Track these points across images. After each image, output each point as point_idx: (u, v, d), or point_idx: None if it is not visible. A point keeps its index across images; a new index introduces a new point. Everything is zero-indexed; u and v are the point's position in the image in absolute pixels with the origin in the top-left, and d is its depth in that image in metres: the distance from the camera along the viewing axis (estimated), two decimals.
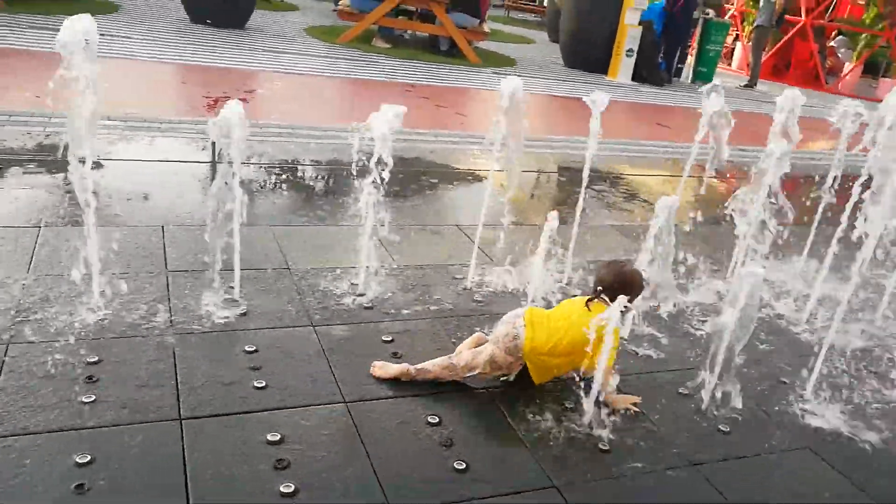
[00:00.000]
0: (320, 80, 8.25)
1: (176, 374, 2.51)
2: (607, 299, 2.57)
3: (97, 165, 4.24)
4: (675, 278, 3.56)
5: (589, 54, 11.69)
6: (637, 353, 3.12)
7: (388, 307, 3.21)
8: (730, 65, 16.55)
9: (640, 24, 11.14)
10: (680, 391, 2.90)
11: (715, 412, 2.78)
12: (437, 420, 2.47)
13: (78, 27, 2.44)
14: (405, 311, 3.20)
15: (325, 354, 2.77)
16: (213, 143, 3.51)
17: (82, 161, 2.66)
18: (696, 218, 4.47)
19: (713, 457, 2.53)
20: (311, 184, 4.74)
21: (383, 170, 3.02)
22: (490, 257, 3.82)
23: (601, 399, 2.61)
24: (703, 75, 12.87)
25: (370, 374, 2.67)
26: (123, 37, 8.43)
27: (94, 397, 2.32)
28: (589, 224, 4.53)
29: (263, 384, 2.52)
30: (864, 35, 15.64)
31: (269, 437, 2.26)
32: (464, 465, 2.27)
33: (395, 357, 2.81)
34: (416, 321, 3.13)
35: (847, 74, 15.82)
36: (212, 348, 2.70)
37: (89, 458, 2.06)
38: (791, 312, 3.78)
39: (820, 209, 4.01)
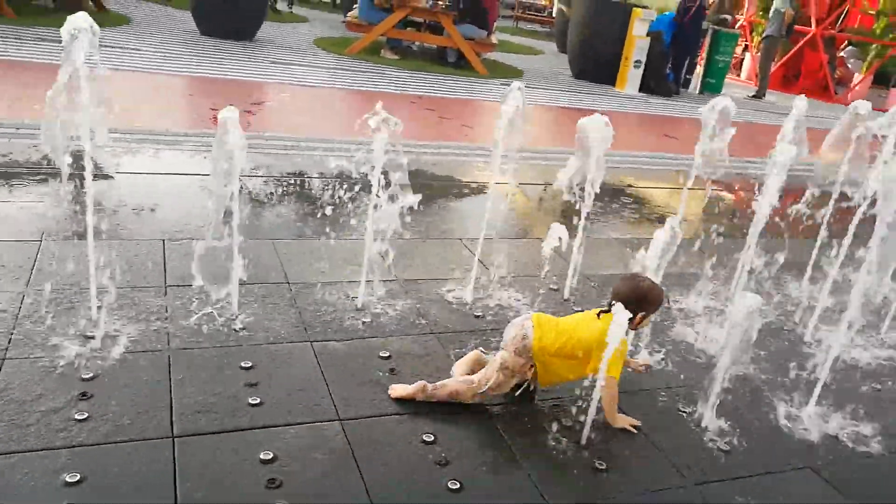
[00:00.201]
0: (328, 91, 8.27)
1: (170, 390, 2.50)
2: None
3: (102, 177, 4.26)
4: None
5: (597, 65, 11.69)
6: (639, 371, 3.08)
7: (387, 322, 3.20)
8: (739, 75, 16.48)
9: (648, 34, 11.12)
10: (679, 409, 2.86)
11: (715, 432, 2.74)
12: (433, 438, 2.45)
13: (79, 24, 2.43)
14: (404, 327, 3.18)
15: (322, 371, 2.76)
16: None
17: (80, 170, 2.67)
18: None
19: (712, 477, 2.49)
20: (315, 196, 4.74)
21: (388, 187, 3.02)
22: (492, 272, 3.80)
23: (600, 415, 2.58)
24: (711, 86, 12.83)
25: (388, 395, 2.64)
26: (133, 49, 8.49)
27: (86, 414, 2.31)
28: (593, 237, 4.50)
29: (258, 401, 2.51)
30: (874, 45, 15.54)
31: (262, 456, 2.24)
32: (458, 485, 2.25)
33: (392, 374, 2.80)
34: (414, 336, 3.11)
35: (857, 85, 15.71)
36: (208, 364, 2.69)
37: (79, 476, 2.05)
38: (792, 328, 3.73)
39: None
